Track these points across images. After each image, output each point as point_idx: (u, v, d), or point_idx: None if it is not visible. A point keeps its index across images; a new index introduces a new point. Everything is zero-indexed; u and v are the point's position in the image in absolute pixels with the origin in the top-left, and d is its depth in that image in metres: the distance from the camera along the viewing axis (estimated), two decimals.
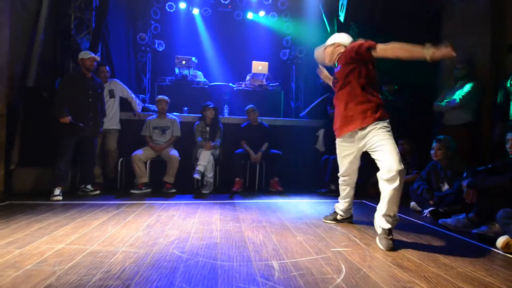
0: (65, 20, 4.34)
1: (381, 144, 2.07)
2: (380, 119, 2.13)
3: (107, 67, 4.07)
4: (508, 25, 3.55)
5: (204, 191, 3.89)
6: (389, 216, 2.03)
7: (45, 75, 4.17)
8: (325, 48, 2.51)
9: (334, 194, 4.07)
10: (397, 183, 1.96)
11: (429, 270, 1.66)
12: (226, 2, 6.89)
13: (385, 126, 2.14)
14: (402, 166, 1.98)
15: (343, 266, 1.68)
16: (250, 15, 7.53)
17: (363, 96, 2.18)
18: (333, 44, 2.46)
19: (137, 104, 4.33)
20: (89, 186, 3.69)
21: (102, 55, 4.63)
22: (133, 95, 4.31)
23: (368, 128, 2.14)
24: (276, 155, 4.19)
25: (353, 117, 2.20)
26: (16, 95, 3.79)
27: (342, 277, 1.54)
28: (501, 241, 2.01)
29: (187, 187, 4.12)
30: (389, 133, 2.13)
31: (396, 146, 2.10)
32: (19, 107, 3.81)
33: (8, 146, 3.60)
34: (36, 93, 3.86)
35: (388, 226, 2.02)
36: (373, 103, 2.16)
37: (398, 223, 2.66)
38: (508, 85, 3.03)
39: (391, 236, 2.02)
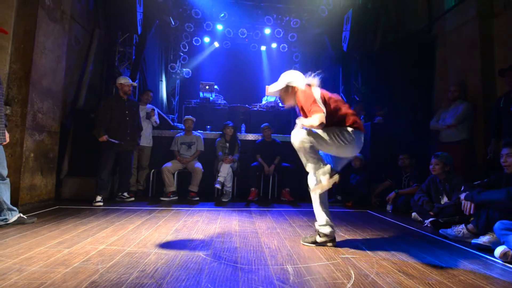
0: (110, 54, 4.58)
1: None
2: None
3: (151, 93, 4.26)
4: (498, 51, 3.49)
5: (223, 199, 3.89)
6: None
7: (92, 99, 4.38)
8: (282, 89, 2.13)
9: (339, 204, 4.00)
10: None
11: (433, 277, 1.58)
12: (244, 36, 7.10)
13: None
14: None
15: (352, 272, 1.62)
16: (263, 48, 7.72)
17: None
18: (289, 87, 2.11)
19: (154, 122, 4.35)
20: (125, 194, 3.76)
21: (139, 82, 4.83)
22: (157, 120, 4.35)
23: None
24: (287, 168, 4.16)
25: None
26: (68, 116, 3.97)
27: (352, 282, 1.49)
28: (499, 251, 1.91)
29: (209, 196, 4.14)
30: None
31: None
32: (70, 126, 3.99)
33: (59, 159, 3.75)
34: (84, 114, 4.03)
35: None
36: None
37: (401, 232, 2.58)
38: (501, 105, 2.94)
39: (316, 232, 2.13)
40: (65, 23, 3.63)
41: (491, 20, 3.56)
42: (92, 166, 3.75)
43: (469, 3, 3.72)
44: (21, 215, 2.47)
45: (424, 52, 4.48)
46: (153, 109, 4.26)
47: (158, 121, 4.34)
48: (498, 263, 1.86)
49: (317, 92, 2.01)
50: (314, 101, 1.92)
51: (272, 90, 2.18)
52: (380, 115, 4.40)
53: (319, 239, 2.09)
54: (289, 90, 2.13)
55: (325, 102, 1.99)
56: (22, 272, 1.49)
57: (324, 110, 1.89)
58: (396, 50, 4.58)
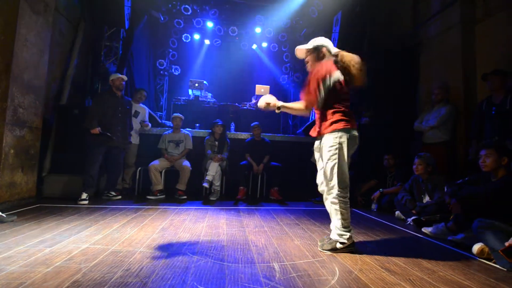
0: (96, 48, 4.46)
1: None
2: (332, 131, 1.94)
3: (145, 92, 4.22)
4: (478, 57, 3.63)
5: (212, 198, 3.87)
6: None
7: (76, 95, 4.25)
8: (310, 51, 2.04)
9: None
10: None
11: (414, 274, 1.63)
12: (234, 34, 7.07)
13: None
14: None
15: (336, 269, 1.66)
16: (254, 46, 7.72)
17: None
18: (319, 51, 2.01)
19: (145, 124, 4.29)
20: (112, 192, 3.68)
21: (127, 77, 4.72)
22: (148, 124, 4.26)
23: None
24: (276, 167, 4.19)
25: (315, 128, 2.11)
26: (50, 111, 3.85)
27: (336, 279, 1.52)
28: (476, 247, 2.00)
29: (197, 194, 4.11)
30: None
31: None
32: (52, 122, 3.86)
33: (41, 156, 3.62)
34: (68, 110, 3.92)
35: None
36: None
37: (384, 230, 2.65)
38: (483, 108, 3.05)
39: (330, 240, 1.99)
40: (48, 15, 3.50)
41: (473, 26, 3.70)
42: (76, 164, 3.64)
43: (453, 10, 3.85)
44: (0, 213, 2.38)
45: (409, 56, 4.60)
46: (146, 123, 4.17)
47: (150, 126, 4.27)
48: (475, 259, 1.95)
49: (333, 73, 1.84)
50: (317, 83, 1.80)
51: (301, 47, 2.06)
52: (367, 116, 4.50)
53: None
54: (317, 53, 1.98)
55: (335, 88, 1.85)
56: (0, 272, 1.44)
57: (320, 97, 1.82)
58: (383, 53, 4.68)
